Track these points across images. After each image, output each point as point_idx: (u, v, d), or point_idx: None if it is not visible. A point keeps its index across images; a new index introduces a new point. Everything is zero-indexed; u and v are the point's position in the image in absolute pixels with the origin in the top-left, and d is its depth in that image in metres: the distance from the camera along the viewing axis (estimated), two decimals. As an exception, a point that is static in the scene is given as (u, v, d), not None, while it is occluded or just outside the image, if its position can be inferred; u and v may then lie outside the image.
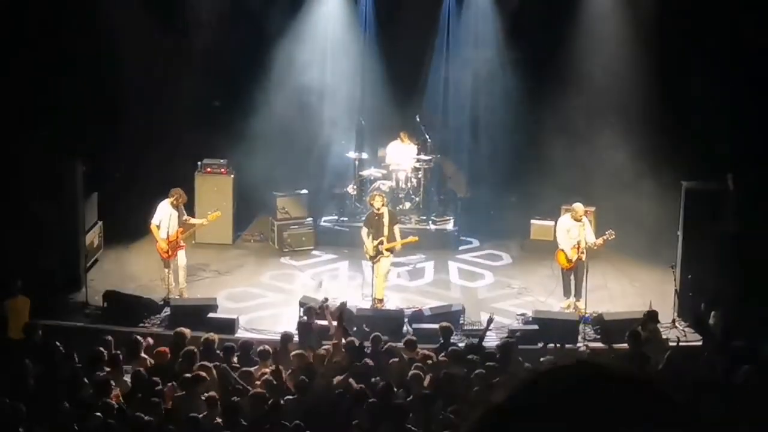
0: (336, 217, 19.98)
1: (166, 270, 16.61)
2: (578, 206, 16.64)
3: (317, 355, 12.82)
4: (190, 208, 17.45)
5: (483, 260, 19.10)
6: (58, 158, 16.69)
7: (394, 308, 16.35)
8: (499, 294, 17.52)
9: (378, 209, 16.47)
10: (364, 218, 17.22)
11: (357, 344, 13.18)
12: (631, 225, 17.86)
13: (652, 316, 14.50)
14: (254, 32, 20.20)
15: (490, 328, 14.24)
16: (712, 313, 14.46)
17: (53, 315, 15.74)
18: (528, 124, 20.11)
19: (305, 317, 14.56)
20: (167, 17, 19.72)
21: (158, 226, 16.48)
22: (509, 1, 20.21)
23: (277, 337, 14.00)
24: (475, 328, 15.01)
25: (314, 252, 19.19)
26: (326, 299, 14.75)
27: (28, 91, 17.66)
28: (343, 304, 14.38)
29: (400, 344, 13.58)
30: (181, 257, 16.69)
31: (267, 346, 13.18)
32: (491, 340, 14.43)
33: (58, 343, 13.01)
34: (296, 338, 13.94)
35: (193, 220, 17.07)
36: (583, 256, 16.37)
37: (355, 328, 14.55)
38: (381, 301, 16.56)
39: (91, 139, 18.29)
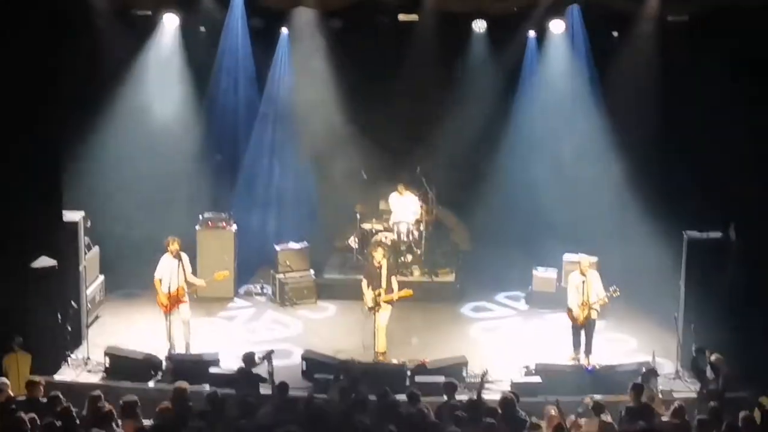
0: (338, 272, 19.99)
1: (167, 324, 16.55)
2: (582, 258, 16.63)
3: None
4: (192, 262, 17.39)
5: (489, 312, 19.07)
6: (60, 213, 16.66)
7: (396, 361, 16.26)
8: (503, 346, 17.46)
9: (378, 261, 16.44)
10: (363, 270, 17.21)
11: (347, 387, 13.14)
12: (634, 275, 17.81)
13: (651, 372, 14.48)
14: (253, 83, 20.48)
15: (485, 381, 14.01)
16: (709, 359, 14.39)
17: (54, 371, 15.68)
18: (528, 174, 20.15)
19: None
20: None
21: (161, 280, 16.49)
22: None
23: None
24: (477, 381, 14.83)
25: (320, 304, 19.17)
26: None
27: (29, 144, 17.65)
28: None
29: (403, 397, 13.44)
30: (185, 311, 16.63)
31: None
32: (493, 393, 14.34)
33: (62, 398, 12.89)
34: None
35: (196, 280, 16.88)
36: (594, 314, 16.30)
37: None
38: (384, 353, 16.48)
39: (93, 192, 18.37)
